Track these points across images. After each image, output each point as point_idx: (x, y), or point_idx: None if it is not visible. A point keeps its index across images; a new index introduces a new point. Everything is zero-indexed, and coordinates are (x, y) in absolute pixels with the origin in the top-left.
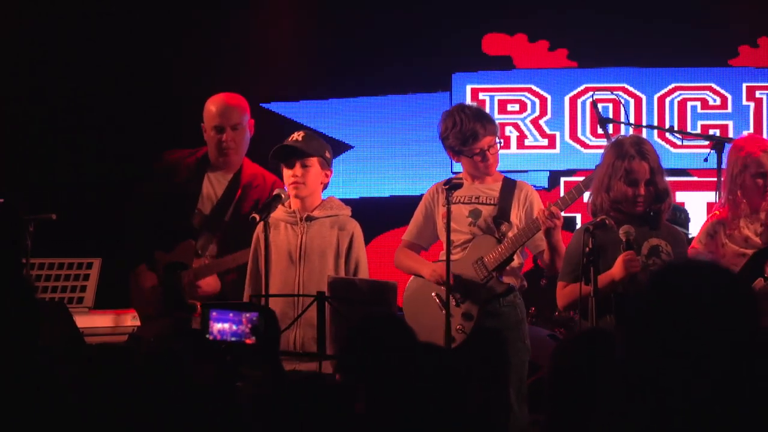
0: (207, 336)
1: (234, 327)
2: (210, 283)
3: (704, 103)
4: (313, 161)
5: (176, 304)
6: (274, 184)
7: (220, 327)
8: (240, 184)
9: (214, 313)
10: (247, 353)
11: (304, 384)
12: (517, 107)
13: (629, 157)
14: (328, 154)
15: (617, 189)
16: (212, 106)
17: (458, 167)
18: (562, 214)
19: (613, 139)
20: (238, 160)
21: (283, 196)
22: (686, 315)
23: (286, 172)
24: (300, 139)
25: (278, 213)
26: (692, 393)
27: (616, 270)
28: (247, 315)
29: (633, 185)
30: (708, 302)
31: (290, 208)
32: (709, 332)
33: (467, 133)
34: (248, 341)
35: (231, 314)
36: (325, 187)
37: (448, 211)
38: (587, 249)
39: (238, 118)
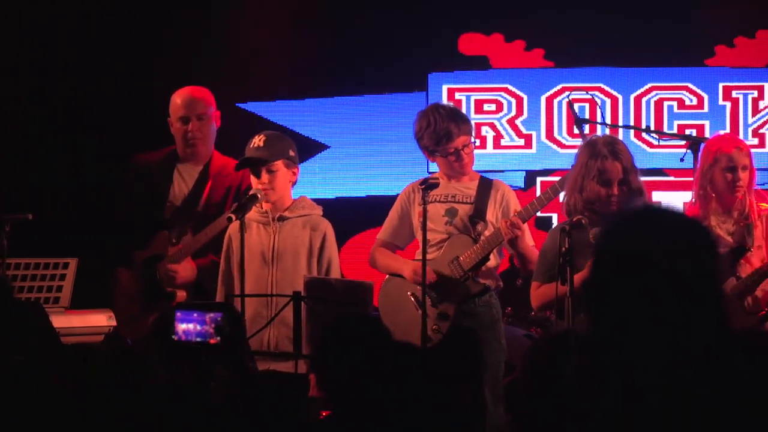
0: (173, 336)
1: (198, 327)
2: (186, 268)
3: (681, 103)
4: (278, 164)
5: (156, 295)
6: (244, 173)
7: (184, 327)
8: (210, 174)
9: (178, 314)
10: (212, 353)
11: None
12: (493, 107)
13: (602, 157)
14: (292, 153)
15: (590, 189)
16: (177, 98)
17: (435, 167)
18: (539, 213)
19: (587, 139)
20: (207, 152)
21: (259, 196)
22: (647, 278)
23: (254, 180)
24: (261, 144)
25: (250, 213)
26: (670, 371)
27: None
28: (211, 315)
29: (606, 185)
30: (671, 256)
31: (262, 208)
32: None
33: (441, 133)
34: (212, 341)
35: (195, 314)
36: (294, 184)
37: (424, 211)
38: (563, 249)
39: (203, 108)
